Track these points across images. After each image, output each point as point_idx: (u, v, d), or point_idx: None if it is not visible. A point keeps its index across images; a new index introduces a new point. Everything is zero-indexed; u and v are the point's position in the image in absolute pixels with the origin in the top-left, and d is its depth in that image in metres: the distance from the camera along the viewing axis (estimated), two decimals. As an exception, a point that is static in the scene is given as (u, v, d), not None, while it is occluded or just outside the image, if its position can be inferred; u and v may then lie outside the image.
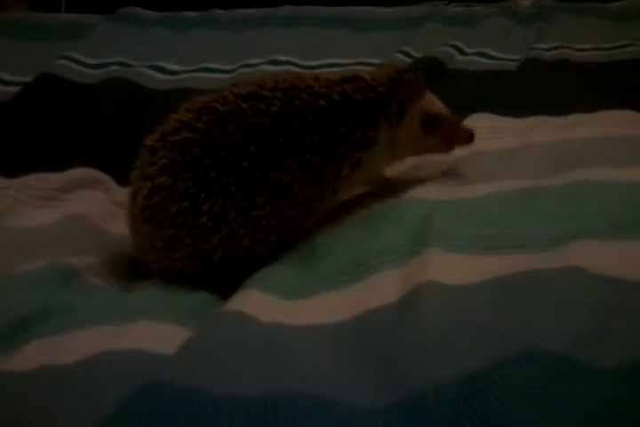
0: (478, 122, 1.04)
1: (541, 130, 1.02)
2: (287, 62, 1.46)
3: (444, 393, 0.50)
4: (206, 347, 0.58)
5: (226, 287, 0.73)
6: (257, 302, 0.66)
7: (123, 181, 1.02)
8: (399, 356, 0.55)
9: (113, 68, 1.40)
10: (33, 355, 0.60)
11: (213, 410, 0.50)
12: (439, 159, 0.93)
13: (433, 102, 0.87)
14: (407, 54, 1.47)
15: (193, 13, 1.77)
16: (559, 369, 0.51)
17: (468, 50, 1.50)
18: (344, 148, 0.80)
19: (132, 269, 0.84)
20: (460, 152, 0.94)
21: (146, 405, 0.50)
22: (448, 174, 0.90)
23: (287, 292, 0.68)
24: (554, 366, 0.51)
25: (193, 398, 0.50)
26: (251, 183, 0.76)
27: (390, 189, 0.86)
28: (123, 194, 0.99)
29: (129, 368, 0.56)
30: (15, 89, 1.30)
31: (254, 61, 1.45)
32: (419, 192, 0.84)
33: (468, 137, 0.87)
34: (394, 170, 0.91)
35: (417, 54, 1.47)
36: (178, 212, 0.75)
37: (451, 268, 0.66)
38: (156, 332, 0.63)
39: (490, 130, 1.02)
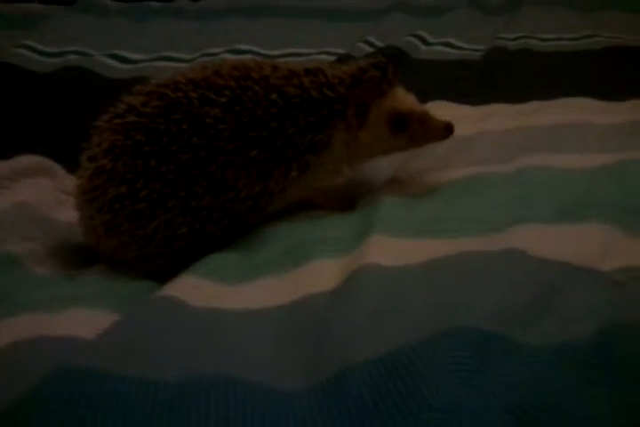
0: (434, 110, 1.03)
1: (497, 118, 1.01)
2: (249, 51, 1.45)
3: (367, 370, 0.50)
4: (130, 331, 0.57)
5: (169, 275, 0.72)
6: (191, 287, 0.65)
7: (73, 169, 1.00)
8: (326, 337, 0.55)
9: (71, 56, 1.38)
10: None
11: (127, 393, 0.48)
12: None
13: (401, 99, 0.79)
14: (371, 44, 1.47)
15: (157, 4, 1.75)
16: (487, 345, 0.51)
17: (432, 40, 1.50)
18: (292, 149, 0.75)
19: (77, 256, 0.83)
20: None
21: (58, 388, 0.49)
22: (399, 166, 0.89)
23: (226, 277, 0.68)
24: (482, 343, 0.51)
25: (109, 382, 0.49)
26: (191, 173, 0.74)
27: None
28: (72, 182, 0.97)
29: (54, 354, 0.55)
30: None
31: (215, 50, 1.44)
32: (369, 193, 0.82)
33: (444, 132, 0.79)
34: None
35: (380, 44, 1.46)
36: (116, 196, 0.74)
37: (389, 251, 0.65)
38: (88, 319, 0.62)
39: (445, 118, 1.01)
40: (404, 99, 0.79)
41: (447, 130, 0.79)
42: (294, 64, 0.80)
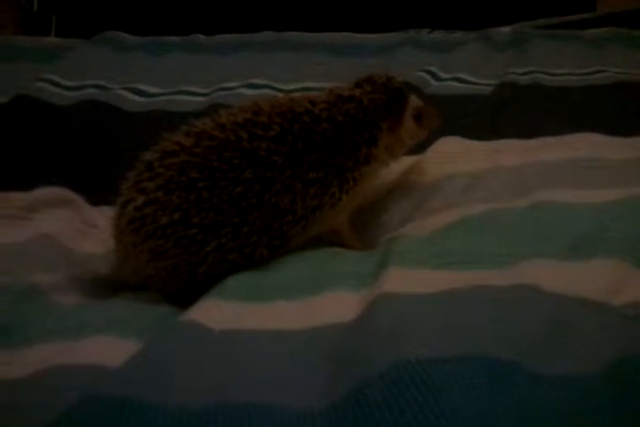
0: (447, 146, 1.06)
1: (508, 153, 1.03)
2: (265, 86, 1.47)
3: (384, 383, 0.51)
4: (152, 358, 0.59)
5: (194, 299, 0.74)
6: (212, 310, 0.67)
7: (94, 200, 1.03)
8: (344, 357, 0.57)
9: (90, 90, 1.40)
10: None
11: (154, 421, 0.50)
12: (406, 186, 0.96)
13: (413, 98, 0.93)
14: (383, 79, 1.48)
15: (174, 38, 1.78)
16: (501, 372, 0.52)
17: (443, 75, 1.52)
18: (350, 162, 0.83)
19: (99, 286, 0.85)
20: (428, 177, 0.96)
21: (84, 414, 0.50)
22: (417, 206, 0.92)
23: (246, 297, 0.70)
24: (496, 369, 0.52)
25: (134, 409, 0.51)
26: (243, 204, 0.78)
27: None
28: (94, 213, 1.00)
29: (78, 382, 0.57)
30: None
31: (231, 85, 1.46)
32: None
33: (440, 118, 0.95)
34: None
35: (393, 79, 1.48)
36: (168, 223, 0.77)
37: (405, 281, 0.67)
38: (109, 346, 0.64)
39: (458, 153, 1.03)
40: (414, 97, 0.94)
41: (440, 116, 0.96)
42: (316, 96, 0.87)
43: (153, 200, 0.78)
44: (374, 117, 0.87)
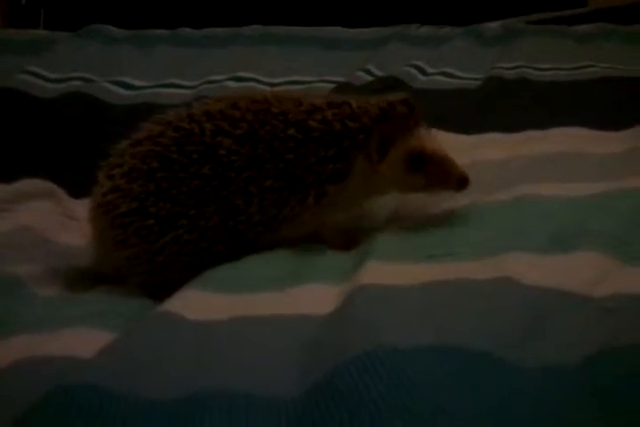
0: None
1: (492, 147, 1.03)
2: (251, 79, 1.47)
3: (353, 366, 0.50)
4: (126, 349, 0.58)
5: (172, 291, 0.73)
6: (189, 301, 0.66)
7: (76, 193, 1.02)
8: (320, 345, 0.56)
9: (75, 83, 1.40)
10: None
11: (125, 412, 0.49)
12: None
13: (424, 139, 0.78)
14: (370, 73, 1.49)
15: (161, 31, 1.77)
16: (476, 363, 0.51)
17: (430, 70, 1.52)
18: (311, 178, 0.76)
19: (79, 279, 0.84)
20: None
21: (55, 405, 0.49)
22: (400, 198, 0.91)
23: (225, 288, 0.69)
24: (471, 359, 0.52)
25: (104, 400, 0.50)
26: (200, 197, 0.77)
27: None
28: (75, 205, 0.99)
29: (52, 374, 0.56)
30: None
31: (218, 78, 1.46)
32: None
33: (459, 183, 0.76)
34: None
35: (379, 73, 1.48)
36: (127, 211, 0.77)
37: (383, 274, 0.67)
38: (87, 338, 0.63)
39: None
40: (426, 139, 0.78)
41: (459, 181, 0.77)
42: (318, 97, 0.80)
43: (116, 187, 0.78)
44: (351, 130, 0.75)
